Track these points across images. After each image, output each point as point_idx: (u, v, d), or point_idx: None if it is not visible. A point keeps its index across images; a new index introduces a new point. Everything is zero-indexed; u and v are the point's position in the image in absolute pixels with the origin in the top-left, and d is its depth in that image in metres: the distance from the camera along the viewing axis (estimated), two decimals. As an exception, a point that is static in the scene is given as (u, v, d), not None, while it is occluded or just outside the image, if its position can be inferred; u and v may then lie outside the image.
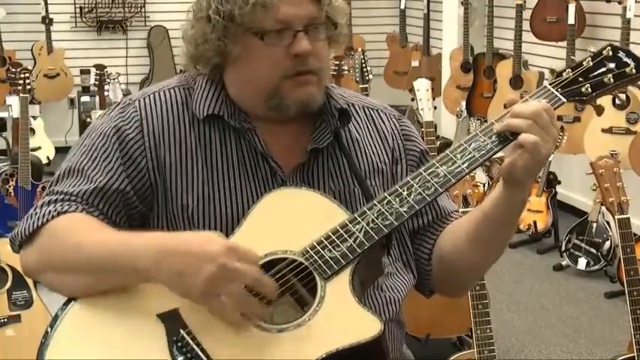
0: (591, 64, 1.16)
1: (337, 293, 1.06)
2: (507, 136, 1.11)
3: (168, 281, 1.02)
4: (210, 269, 0.99)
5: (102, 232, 1.10)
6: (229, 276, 0.99)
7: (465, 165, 1.11)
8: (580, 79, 1.16)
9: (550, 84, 1.16)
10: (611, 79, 1.15)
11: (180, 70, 1.29)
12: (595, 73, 1.16)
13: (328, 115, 1.22)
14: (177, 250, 1.02)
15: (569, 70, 1.16)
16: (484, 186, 3.90)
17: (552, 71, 1.18)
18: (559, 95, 1.15)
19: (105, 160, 1.16)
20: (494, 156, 1.13)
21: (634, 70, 1.15)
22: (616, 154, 3.26)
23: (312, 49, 1.15)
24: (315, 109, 1.19)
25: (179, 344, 1.03)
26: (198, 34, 1.16)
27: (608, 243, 3.64)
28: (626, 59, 1.16)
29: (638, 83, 2.45)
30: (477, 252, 1.20)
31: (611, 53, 1.17)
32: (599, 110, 1.24)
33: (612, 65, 1.16)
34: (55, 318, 1.07)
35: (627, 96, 3.69)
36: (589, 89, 1.15)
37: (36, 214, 1.14)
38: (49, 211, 1.13)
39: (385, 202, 1.11)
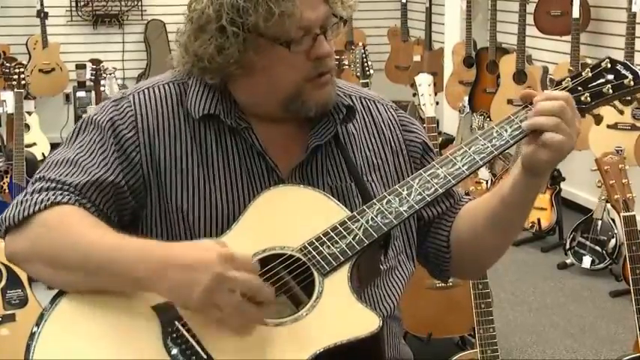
0: (590, 74, 1.20)
1: (335, 289, 1.07)
2: (508, 140, 1.14)
3: (167, 294, 1.03)
4: (206, 280, 0.99)
5: (97, 230, 1.08)
6: (225, 285, 0.99)
7: (465, 167, 1.13)
8: (579, 88, 1.19)
9: None
10: (610, 90, 1.19)
11: (174, 67, 1.27)
12: (594, 84, 1.19)
13: (333, 111, 1.21)
14: (174, 262, 1.01)
15: (569, 79, 1.20)
16: (487, 183, 3.86)
17: (552, 81, 1.21)
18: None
19: (102, 154, 1.15)
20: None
21: (632, 82, 1.18)
22: (621, 150, 3.22)
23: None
24: (332, 107, 1.20)
25: (174, 336, 1.03)
26: (211, 47, 1.13)
27: (613, 241, 3.62)
28: (624, 72, 1.19)
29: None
30: (497, 236, 1.22)
31: (609, 65, 1.20)
32: (598, 119, 1.28)
33: (611, 77, 1.19)
34: (41, 316, 1.05)
35: (633, 91, 3.64)
36: (588, 98, 1.18)
37: (27, 200, 1.11)
38: (42, 200, 1.10)
39: (385, 201, 1.12)
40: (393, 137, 1.27)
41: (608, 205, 3.45)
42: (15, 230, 1.11)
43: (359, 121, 1.26)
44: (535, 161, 1.11)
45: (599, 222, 3.64)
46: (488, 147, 1.14)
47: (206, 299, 0.99)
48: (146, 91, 1.20)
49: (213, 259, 0.99)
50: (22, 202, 1.11)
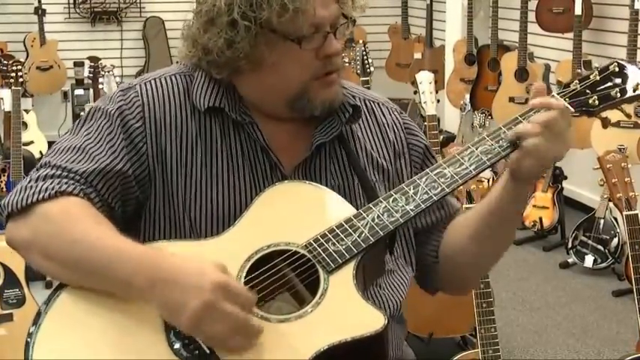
0: (598, 77, 1.20)
1: (341, 287, 1.06)
2: (515, 142, 1.14)
3: (157, 308, 1.02)
4: (195, 306, 0.97)
5: (98, 230, 1.07)
6: (214, 315, 0.98)
7: (473, 167, 1.14)
8: (587, 91, 1.19)
9: (558, 94, 1.20)
10: (618, 94, 1.19)
11: (177, 62, 1.27)
12: (602, 87, 1.20)
13: (339, 110, 1.21)
14: (168, 279, 1.00)
15: (577, 82, 1.20)
16: (488, 181, 3.83)
17: (560, 82, 1.20)
18: (567, 105, 1.17)
19: (110, 142, 1.14)
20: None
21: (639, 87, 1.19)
22: (624, 148, 3.19)
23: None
24: (337, 107, 1.20)
25: (177, 330, 1.01)
26: (221, 40, 1.11)
27: (615, 240, 3.61)
28: (632, 75, 1.19)
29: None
30: (481, 248, 1.22)
31: (617, 69, 1.20)
32: (606, 123, 1.27)
33: (618, 80, 1.20)
34: (38, 314, 1.04)
35: (635, 89, 3.61)
36: (596, 101, 1.19)
37: (31, 187, 1.10)
38: (47, 188, 1.09)
39: (391, 199, 1.12)
40: (396, 139, 1.27)
41: (611, 204, 3.43)
42: (17, 216, 1.10)
43: (363, 122, 1.25)
44: (519, 167, 1.12)
45: (602, 221, 3.63)
46: (495, 147, 1.15)
47: (193, 325, 0.98)
48: (153, 82, 1.19)
49: (207, 285, 0.97)
50: (26, 188, 1.10)
